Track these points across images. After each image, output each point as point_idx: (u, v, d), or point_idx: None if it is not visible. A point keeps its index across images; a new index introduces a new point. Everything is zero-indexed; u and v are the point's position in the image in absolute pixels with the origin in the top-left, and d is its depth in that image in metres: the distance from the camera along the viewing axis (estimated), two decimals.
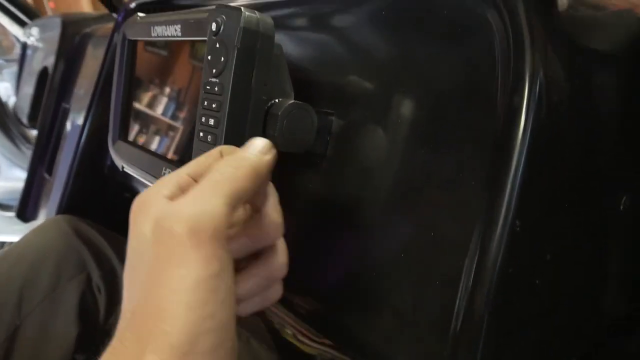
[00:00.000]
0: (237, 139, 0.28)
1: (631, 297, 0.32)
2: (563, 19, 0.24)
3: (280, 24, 0.35)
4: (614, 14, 0.28)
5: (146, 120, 0.40)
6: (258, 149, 0.25)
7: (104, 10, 1.05)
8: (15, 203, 1.79)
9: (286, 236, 0.27)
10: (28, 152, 1.59)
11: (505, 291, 0.22)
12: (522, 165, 0.21)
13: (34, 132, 1.60)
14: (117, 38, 0.42)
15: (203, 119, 0.28)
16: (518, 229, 0.21)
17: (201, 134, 0.29)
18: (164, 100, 0.38)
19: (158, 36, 0.35)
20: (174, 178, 0.24)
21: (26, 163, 1.60)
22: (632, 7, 0.30)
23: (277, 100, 0.29)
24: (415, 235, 0.27)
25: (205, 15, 0.29)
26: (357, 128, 0.31)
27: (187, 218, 0.20)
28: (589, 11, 0.27)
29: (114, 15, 0.99)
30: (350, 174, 0.31)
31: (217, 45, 0.27)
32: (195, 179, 0.24)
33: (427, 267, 0.26)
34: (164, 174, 0.34)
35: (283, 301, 0.36)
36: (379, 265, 0.29)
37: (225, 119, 0.27)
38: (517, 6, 0.22)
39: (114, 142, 0.42)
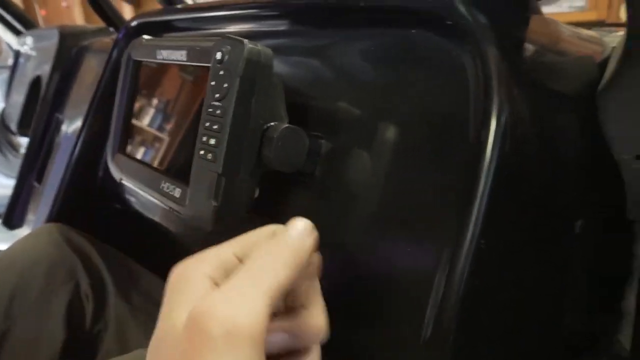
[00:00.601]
0: (236, 158, 0.30)
1: (592, 315, 0.35)
2: (529, 64, 0.28)
3: (278, 52, 0.39)
4: (575, 60, 0.32)
5: (145, 135, 0.42)
6: (299, 231, 0.24)
7: (96, 21, 1.07)
8: None
9: None
10: (14, 160, 1.58)
11: (471, 305, 0.25)
12: (487, 192, 0.24)
13: (21, 140, 1.60)
14: (123, 57, 0.44)
15: (204, 139, 0.31)
16: (483, 246, 0.24)
17: (202, 152, 0.31)
18: (162, 117, 0.40)
19: (164, 59, 0.38)
20: (219, 256, 0.23)
21: (11, 170, 1.59)
22: (591, 54, 0.34)
23: (273, 124, 0.32)
24: (392, 252, 0.30)
25: (211, 44, 0.32)
26: (343, 151, 0.34)
27: (225, 319, 0.19)
28: (553, 57, 0.31)
29: (111, 29, 1.02)
30: (334, 193, 0.34)
31: (221, 73, 0.30)
32: (241, 259, 0.24)
33: (403, 282, 0.29)
34: (162, 187, 0.36)
35: None
36: (358, 280, 0.31)
37: (226, 140, 0.30)
38: (487, 52, 0.26)
39: (113, 155, 0.44)
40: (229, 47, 0.30)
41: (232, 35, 0.31)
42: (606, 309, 0.36)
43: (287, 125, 0.32)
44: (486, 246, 0.24)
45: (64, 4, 3.36)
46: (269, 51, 0.31)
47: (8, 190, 1.56)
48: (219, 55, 0.31)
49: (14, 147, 1.59)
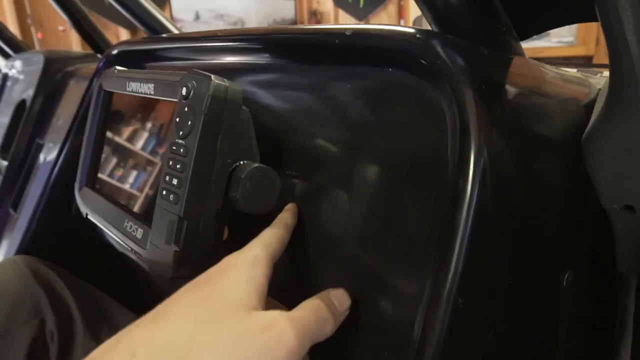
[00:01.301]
0: (199, 200, 0.28)
1: None
2: (508, 107, 0.27)
3: (255, 86, 0.37)
4: (560, 102, 0.30)
5: (114, 170, 0.40)
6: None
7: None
8: None
9: None
10: None
11: None
12: (465, 245, 0.22)
13: (2, 163, 1.58)
14: (94, 86, 0.43)
15: (167, 178, 0.29)
16: (461, 306, 0.22)
17: (164, 192, 0.29)
18: (130, 152, 0.39)
19: (132, 91, 0.36)
20: None
21: None
22: (577, 96, 0.33)
23: (242, 163, 0.30)
24: (366, 305, 0.27)
25: (178, 78, 0.30)
26: (318, 192, 0.32)
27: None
28: (535, 99, 0.29)
29: (99, 56, 1.01)
30: (309, 234, 0.32)
31: (186, 109, 0.29)
32: None
33: (379, 337, 0.26)
34: (125, 227, 0.34)
35: None
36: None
37: (188, 180, 0.28)
38: (464, 94, 0.24)
39: (80, 188, 0.42)
40: (194, 83, 0.29)
41: (198, 71, 0.29)
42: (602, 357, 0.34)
43: (257, 164, 0.30)
44: (464, 305, 0.22)
45: (60, 27, 3.39)
46: (237, 88, 0.29)
47: None
48: (184, 91, 0.29)
49: None
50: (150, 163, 0.36)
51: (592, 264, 0.31)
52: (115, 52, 0.61)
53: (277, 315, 0.24)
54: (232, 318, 0.23)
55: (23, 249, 0.65)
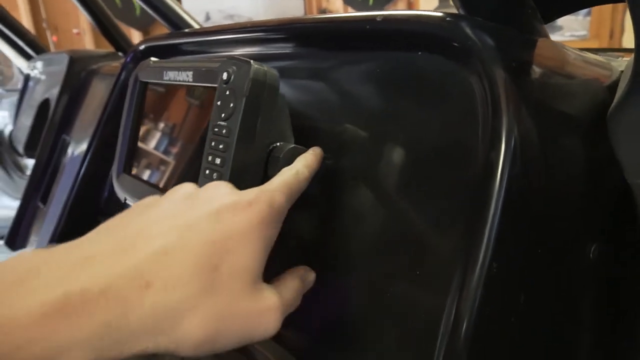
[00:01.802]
0: (241, 178, 0.30)
1: (609, 344, 0.34)
2: (536, 86, 0.28)
3: (284, 75, 0.39)
4: (582, 83, 0.32)
5: (151, 156, 0.42)
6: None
7: (106, 47, 1.09)
8: (1, 231, 1.77)
9: (278, 273, 0.29)
10: (19, 181, 1.59)
11: (483, 328, 0.24)
12: (498, 212, 0.24)
13: (27, 161, 1.62)
14: (130, 79, 0.45)
15: (210, 158, 0.31)
16: (495, 270, 0.24)
17: (207, 172, 0.31)
18: (168, 138, 0.40)
19: (170, 80, 0.38)
20: None
21: (16, 192, 1.60)
22: (598, 77, 0.34)
23: (279, 144, 0.31)
24: (401, 277, 0.29)
25: (217, 65, 0.32)
26: (349, 174, 0.33)
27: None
28: (560, 79, 0.31)
29: (120, 54, 1.03)
30: (340, 215, 0.33)
31: (227, 93, 0.30)
32: None
33: (412, 307, 0.28)
34: None
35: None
36: (366, 304, 0.30)
37: (231, 159, 0.29)
38: (494, 73, 0.26)
39: (118, 175, 0.44)
40: (234, 68, 0.30)
41: (237, 57, 0.31)
42: (624, 338, 0.34)
43: (293, 145, 0.31)
44: (497, 270, 0.24)
45: (75, 30, 3.44)
46: (274, 72, 0.31)
47: (14, 212, 1.57)
48: (225, 76, 0.31)
49: (20, 169, 1.60)
50: (185, 147, 0.38)
51: (618, 238, 0.32)
52: (142, 47, 0.63)
53: (274, 301, 0.25)
54: (236, 287, 0.24)
55: (55, 240, 0.68)
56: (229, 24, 0.52)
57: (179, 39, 0.58)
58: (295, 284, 0.28)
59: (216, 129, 0.31)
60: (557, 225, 0.28)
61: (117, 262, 0.21)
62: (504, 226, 0.24)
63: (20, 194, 1.61)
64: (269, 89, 0.30)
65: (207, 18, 3.92)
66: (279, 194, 0.27)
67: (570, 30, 2.72)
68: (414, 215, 0.29)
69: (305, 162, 0.30)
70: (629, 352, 0.34)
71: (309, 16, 0.44)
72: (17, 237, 0.93)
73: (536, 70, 0.29)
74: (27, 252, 0.22)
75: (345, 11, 3.97)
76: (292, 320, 0.34)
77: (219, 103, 0.31)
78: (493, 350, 0.26)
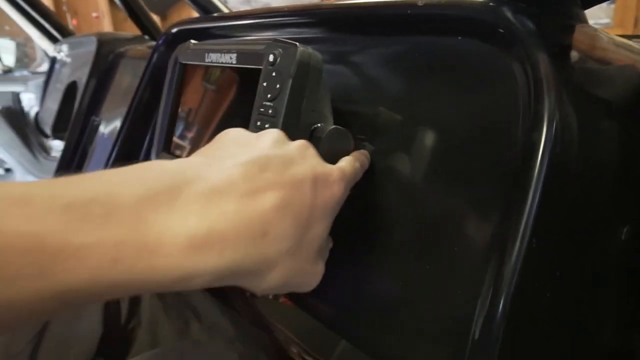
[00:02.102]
0: None
1: (630, 326, 0.35)
2: (576, 70, 0.29)
3: (325, 58, 0.40)
4: (618, 68, 0.32)
5: (190, 135, 0.44)
6: None
7: (124, 30, 1.11)
8: None
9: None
10: (45, 162, 1.64)
11: (520, 301, 0.25)
12: (539, 192, 0.25)
13: (52, 143, 1.66)
14: (170, 60, 0.46)
15: None
16: (534, 245, 0.25)
17: None
18: (206, 118, 0.42)
19: (212, 62, 0.39)
20: None
21: (41, 172, 1.64)
22: (633, 63, 0.34)
23: (320, 125, 0.33)
24: (441, 250, 0.30)
25: (262, 47, 0.33)
26: (388, 155, 0.34)
27: None
28: (596, 65, 0.31)
29: (146, 37, 1.05)
30: (380, 195, 0.35)
31: (273, 74, 0.32)
32: None
33: (452, 278, 0.29)
34: None
35: (309, 307, 0.39)
36: (405, 277, 0.32)
37: None
38: (537, 57, 0.27)
39: (157, 154, 0.46)
40: (280, 50, 0.32)
41: (282, 39, 0.32)
42: None
43: (334, 126, 0.33)
44: (537, 246, 0.25)
45: (94, 14, 3.47)
46: (318, 55, 0.32)
47: None
48: (271, 58, 0.32)
49: (46, 150, 1.64)
50: (222, 125, 0.39)
51: None
52: (174, 30, 0.64)
53: (323, 269, 0.30)
54: (311, 251, 0.27)
55: None
56: (261, 8, 0.53)
57: (210, 23, 0.59)
58: (330, 246, 0.32)
59: (262, 109, 0.32)
60: (593, 206, 0.29)
61: (247, 205, 0.23)
62: (543, 205, 0.25)
63: (45, 175, 1.66)
64: (313, 71, 0.31)
65: (225, 2, 3.91)
66: (352, 178, 0.30)
67: (593, 18, 2.66)
68: (457, 194, 0.30)
69: (362, 163, 0.33)
70: None
71: (349, 1, 0.44)
72: None
73: (576, 56, 0.29)
74: (164, 164, 0.23)
75: None
76: (328, 296, 0.36)
77: (265, 84, 0.32)
78: (528, 324, 0.27)
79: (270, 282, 0.25)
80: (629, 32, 2.37)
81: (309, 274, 0.28)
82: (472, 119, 0.30)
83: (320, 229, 0.27)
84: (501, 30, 0.28)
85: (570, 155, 0.26)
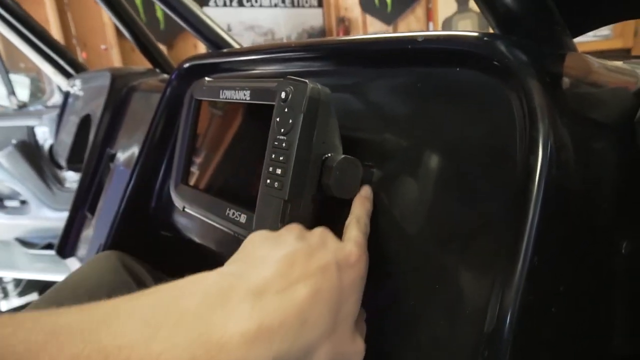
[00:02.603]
0: (300, 186, 0.33)
1: (633, 337, 0.36)
2: (568, 96, 0.31)
3: (331, 90, 0.42)
4: (610, 91, 0.34)
5: (207, 168, 0.46)
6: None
7: (132, 62, 1.15)
8: (40, 241, 1.84)
9: None
10: (59, 193, 1.67)
11: (527, 316, 0.27)
12: (538, 211, 0.27)
13: (66, 174, 1.70)
14: (185, 97, 0.49)
15: (270, 169, 0.34)
16: (536, 263, 0.27)
17: (268, 181, 0.35)
18: (222, 152, 0.44)
19: (227, 99, 0.42)
20: None
21: (55, 203, 1.68)
22: (625, 85, 0.36)
23: (331, 155, 0.35)
24: (448, 271, 0.32)
25: (274, 84, 0.36)
26: (395, 179, 0.36)
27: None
28: (589, 89, 0.33)
29: (157, 70, 1.09)
30: (387, 217, 0.36)
31: (286, 110, 0.34)
32: None
33: (459, 298, 0.31)
34: (228, 214, 0.39)
35: None
36: (415, 298, 0.34)
37: (292, 169, 0.33)
38: (530, 87, 0.29)
39: (176, 186, 0.48)
40: (292, 87, 0.34)
41: (293, 77, 0.35)
42: None
43: (344, 155, 0.35)
44: (539, 263, 0.27)
45: (102, 46, 3.57)
46: (327, 90, 0.34)
47: (53, 222, 1.65)
48: (283, 95, 0.34)
49: (60, 182, 1.68)
50: (238, 159, 0.42)
51: None
52: (186, 65, 0.68)
53: (363, 347, 0.31)
54: (347, 329, 0.30)
55: (107, 247, 0.73)
56: (269, 44, 0.56)
57: (222, 58, 0.62)
58: (364, 326, 0.34)
59: (276, 143, 0.34)
60: (592, 223, 0.30)
61: (285, 299, 0.26)
62: (543, 223, 0.27)
63: (59, 206, 1.69)
64: (322, 106, 0.34)
65: (229, 29, 4.01)
66: (365, 240, 0.33)
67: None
68: (461, 216, 0.32)
69: (368, 211, 0.36)
70: None
71: (355, 37, 0.47)
72: (66, 246, 0.99)
73: (568, 82, 0.31)
74: (209, 275, 0.27)
75: (364, 19, 4.00)
76: None
77: (278, 119, 0.34)
78: (535, 339, 0.28)
79: None
80: (629, 44, 2.40)
81: (350, 352, 0.30)
82: (474, 145, 0.32)
83: (352, 306, 0.30)
84: (496, 63, 0.30)
85: (566, 176, 0.28)
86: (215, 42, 0.79)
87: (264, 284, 0.26)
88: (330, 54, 0.43)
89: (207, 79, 0.46)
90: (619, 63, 0.40)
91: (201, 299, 0.24)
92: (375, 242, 0.37)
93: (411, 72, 0.37)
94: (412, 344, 0.33)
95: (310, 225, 0.35)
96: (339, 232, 0.39)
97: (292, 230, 0.32)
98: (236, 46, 0.80)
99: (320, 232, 0.32)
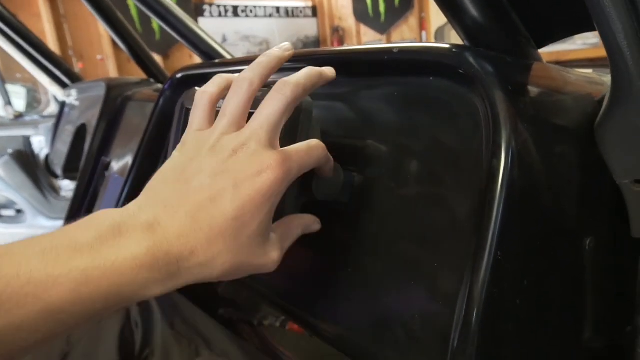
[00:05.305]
0: None
1: (607, 327, 0.38)
2: (530, 104, 0.33)
3: (313, 98, 0.45)
4: (572, 98, 0.37)
5: None
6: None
7: (128, 72, 1.18)
8: None
9: (310, 269, 0.34)
10: (55, 202, 1.69)
11: (492, 308, 0.29)
12: (501, 210, 0.29)
13: (62, 182, 1.71)
14: (177, 106, 0.51)
15: None
16: (500, 258, 0.29)
17: None
18: None
19: (216, 107, 0.44)
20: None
21: (51, 212, 1.69)
22: (589, 92, 0.39)
23: None
24: (421, 268, 0.34)
25: (260, 93, 0.38)
26: (374, 183, 0.39)
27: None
28: (552, 97, 0.36)
29: (151, 80, 1.11)
30: (367, 219, 0.38)
31: None
32: None
33: (432, 292, 0.33)
34: None
35: (309, 326, 0.42)
36: (392, 293, 0.35)
37: None
38: (495, 97, 0.31)
39: None
40: None
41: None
42: (625, 323, 0.38)
43: None
44: (502, 257, 0.29)
45: (98, 56, 3.60)
46: (309, 99, 0.37)
47: (49, 231, 1.66)
48: None
49: (55, 190, 1.70)
50: None
51: (612, 232, 0.36)
52: (179, 76, 0.70)
53: (276, 256, 0.34)
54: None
55: None
56: (258, 55, 0.59)
57: (213, 69, 0.64)
58: (297, 233, 0.36)
59: None
60: (555, 221, 0.32)
61: (173, 228, 0.29)
62: (506, 221, 0.29)
63: (54, 214, 1.70)
64: (305, 113, 0.36)
65: (224, 39, 4.05)
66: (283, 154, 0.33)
67: (582, 38, 2.73)
68: (431, 216, 0.34)
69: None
70: (630, 336, 0.38)
71: (335, 48, 0.50)
72: None
73: (531, 90, 0.34)
74: (103, 212, 0.30)
75: (358, 29, 4.05)
76: (326, 313, 0.39)
77: None
78: (502, 329, 0.30)
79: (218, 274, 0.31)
80: None
81: (258, 263, 0.32)
82: (445, 149, 0.35)
83: (254, 223, 0.31)
84: (463, 72, 0.33)
85: (528, 177, 0.30)
86: (208, 53, 0.81)
87: (154, 218, 0.29)
88: (314, 65, 0.45)
89: (197, 88, 0.49)
90: (588, 71, 0.43)
91: (95, 232, 0.27)
92: (352, 241, 0.39)
93: (388, 81, 0.39)
94: (387, 336, 0.34)
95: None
96: (323, 234, 0.41)
97: (204, 165, 0.32)
98: (228, 57, 0.82)
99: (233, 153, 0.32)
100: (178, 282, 0.29)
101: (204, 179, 0.31)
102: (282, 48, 0.37)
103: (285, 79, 0.34)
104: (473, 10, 0.34)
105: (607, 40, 0.27)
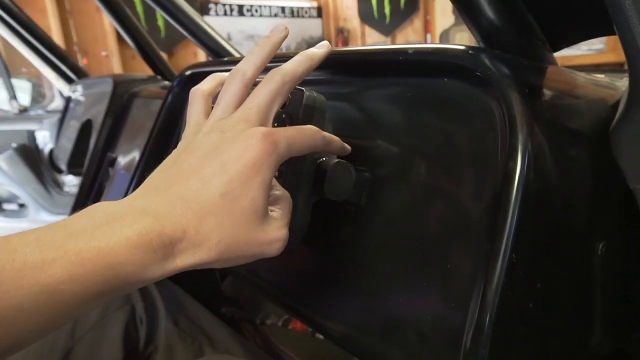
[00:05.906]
0: (294, 189, 0.35)
1: (616, 333, 0.38)
2: (546, 106, 0.33)
3: (326, 97, 0.45)
4: (587, 102, 0.36)
5: None
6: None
7: (133, 68, 1.18)
8: None
9: (319, 268, 0.34)
10: (58, 197, 1.69)
11: (505, 311, 0.29)
12: (516, 212, 0.29)
13: (65, 178, 1.71)
14: (183, 103, 0.51)
15: None
16: (514, 260, 0.28)
17: None
18: None
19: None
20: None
21: (54, 207, 1.69)
22: (604, 97, 0.39)
23: (325, 158, 0.37)
24: (433, 269, 0.34)
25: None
26: (387, 184, 0.38)
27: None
28: (567, 99, 0.36)
29: (158, 77, 1.11)
30: (379, 220, 0.38)
31: (283, 116, 0.36)
32: None
33: (444, 294, 0.33)
34: None
35: (317, 326, 0.42)
36: (402, 293, 0.35)
37: (287, 172, 0.35)
38: (510, 97, 0.31)
39: None
40: (289, 95, 0.36)
41: None
42: (633, 330, 0.38)
43: (338, 159, 0.37)
44: (517, 260, 0.29)
45: (103, 53, 3.60)
46: (323, 98, 0.36)
47: None
48: None
49: (59, 185, 1.70)
50: None
51: (624, 238, 0.36)
52: (188, 73, 0.70)
53: (282, 234, 0.33)
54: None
55: None
56: None
57: (222, 67, 0.64)
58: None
59: None
60: (568, 225, 0.32)
61: (166, 213, 0.29)
62: (520, 224, 0.29)
63: (57, 209, 1.70)
64: (318, 112, 0.36)
65: (229, 38, 4.05)
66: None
67: (587, 44, 2.73)
68: (443, 218, 0.34)
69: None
70: (637, 343, 0.38)
71: (349, 48, 0.50)
72: None
73: (546, 94, 0.34)
74: (100, 204, 0.30)
75: (362, 30, 4.05)
76: (334, 312, 0.39)
77: (275, 124, 0.36)
78: (514, 332, 0.30)
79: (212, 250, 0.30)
80: (622, 57, 2.44)
81: (258, 241, 0.31)
82: (460, 151, 0.35)
83: (247, 200, 0.31)
84: (480, 74, 0.33)
85: (543, 180, 0.30)
86: (215, 50, 0.81)
87: (147, 203, 0.29)
88: (326, 64, 0.45)
89: None
90: (600, 76, 0.43)
91: (90, 220, 0.27)
92: (364, 240, 0.39)
93: (402, 82, 0.39)
94: (397, 337, 0.34)
95: (304, 226, 0.37)
96: (334, 234, 0.41)
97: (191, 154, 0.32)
98: (236, 55, 0.82)
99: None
100: (176, 265, 0.29)
101: (193, 160, 0.31)
102: (275, 30, 0.37)
103: (277, 67, 0.34)
104: (489, 11, 0.34)
105: (627, 43, 0.27)
